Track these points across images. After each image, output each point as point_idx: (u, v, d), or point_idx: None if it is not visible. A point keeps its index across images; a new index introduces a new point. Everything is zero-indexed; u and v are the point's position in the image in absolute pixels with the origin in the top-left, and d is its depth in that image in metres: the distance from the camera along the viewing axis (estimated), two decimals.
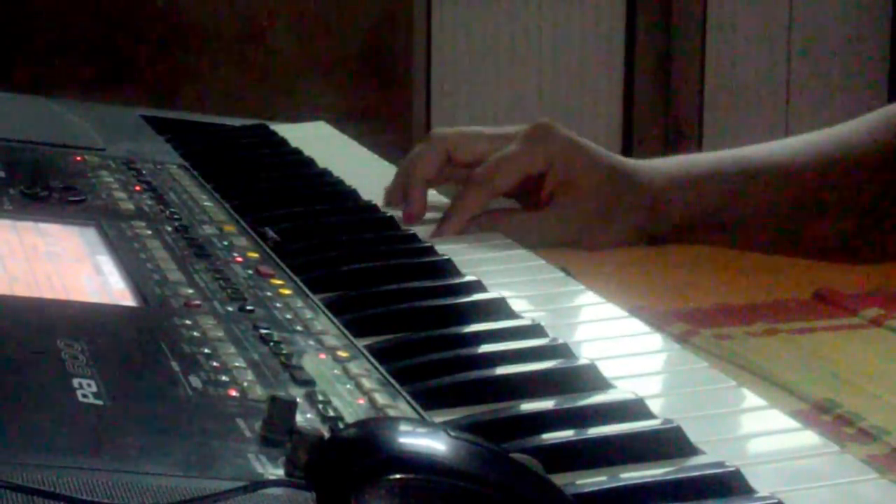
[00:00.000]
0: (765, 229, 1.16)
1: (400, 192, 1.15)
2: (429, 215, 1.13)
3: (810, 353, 0.88)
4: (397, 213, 1.11)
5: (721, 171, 1.16)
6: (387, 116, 3.44)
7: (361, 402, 0.71)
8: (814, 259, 1.13)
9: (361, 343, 0.80)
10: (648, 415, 0.70)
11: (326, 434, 0.63)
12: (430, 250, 1.00)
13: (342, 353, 0.77)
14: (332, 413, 0.68)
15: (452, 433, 0.58)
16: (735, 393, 0.75)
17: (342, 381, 0.73)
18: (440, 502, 0.56)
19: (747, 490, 0.63)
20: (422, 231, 1.08)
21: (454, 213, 1.10)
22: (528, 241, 1.07)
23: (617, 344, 0.83)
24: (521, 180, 1.12)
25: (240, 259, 0.94)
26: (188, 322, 0.78)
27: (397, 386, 0.73)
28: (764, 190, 1.15)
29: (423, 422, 0.67)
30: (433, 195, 1.17)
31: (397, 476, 0.56)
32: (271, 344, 0.77)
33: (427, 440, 0.58)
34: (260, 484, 0.58)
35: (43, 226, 0.96)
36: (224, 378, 0.71)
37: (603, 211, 1.12)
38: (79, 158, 1.18)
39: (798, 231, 1.16)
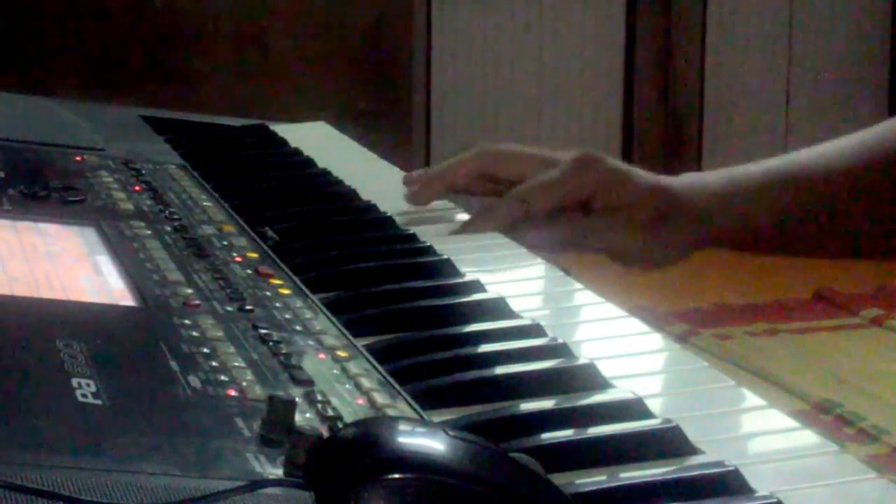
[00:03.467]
0: (813, 237, 1.14)
1: (421, 182, 1.15)
2: (434, 222, 1.13)
3: (810, 353, 0.88)
4: (397, 214, 1.11)
5: (765, 180, 1.15)
6: (387, 116, 3.44)
7: (360, 401, 0.71)
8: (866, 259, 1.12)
9: (360, 343, 0.80)
10: (648, 414, 0.70)
11: (325, 434, 0.63)
12: (430, 250, 1.00)
13: (341, 353, 0.77)
14: (331, 413, 0.68)
15: (451, 433, 0.58)
16: (735, 393, 0.75)
17: (341, 380, 0.73)
18: (439, 502, 0.56)
19: (746, 489, 0.63)
20: (426, 230, 1.08)
21: (482, 218, 1.10)
22: (584, 243, 1.08)
23: (617, 344, 0.83)
24: (559, 205, 1.11)
25: (239, 259, 0.94)
26: (187, 322, 0.78)
27: (396, 386, 0.73)
28: (805, 194, 1.14)
29: (422, 421, 0.67)
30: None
31: (396, 476, 0.56)
32: (270, 344, 0.77)
33: (426, 440, 0.58)
34: (259, 483, 0.58)
35: (42, 226, 0.96)
36: (223, 378, 0.71)
37: (648, 230, 1.11)
38: (78, 158, 1.18)
39: (850, 233, 1.15)
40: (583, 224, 1.11)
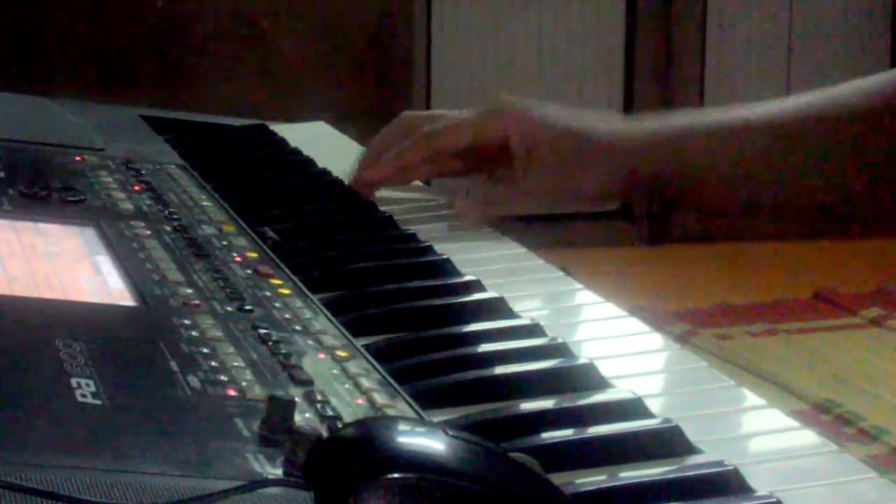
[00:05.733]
0: (748, 185, 1.13)
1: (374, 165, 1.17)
2: (432, 221, 1.13)
3: (810, 353, 0.88)
4: (397, 213, 1.11)
5: (716, 128, 1.14)
6: (387, 116, 3.44)
7: (360, 401, 0.71)
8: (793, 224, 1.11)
9: (360, 343, 0.80)
10: (647, 414, 0.70)
11: (325, 433, 0.63)
12: (430, 250, 1.00)
13: (341, 353, 0.77)
14: (330, 412, 0.68)
15: (451, 433, 0.58)
16: (734, 392, 0.75)
17: (341, 380, 0.73)
18: (439, 502, 0.56)
19: (746, 489, 0.63)
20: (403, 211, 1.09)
21: (393, 157, 1.12)
22: (504, 211, 1.09)
23: (616, 343, 0.83)
24: (470, 144, 1.12)
25: (239, 259, 0.93)
26: (187, 322, 0.78)
27: (396, 385, 0.73)
28: (758, 147, 1.13)
29: (421, 421, 0.67)
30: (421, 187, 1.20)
31: (396, 475, 0.56)
32: (270, 343, 0.77)
33: (426, 440, 0.58)
34: (258, 483, 0.58)
35: (42, 226, 0.96)
36: (223, 378, 0.71)
37: (566, 171, 1.11)
38: (78, 158, 1.17)
39: (790, 191, 1.14)
40: (497, 197, 1.12)
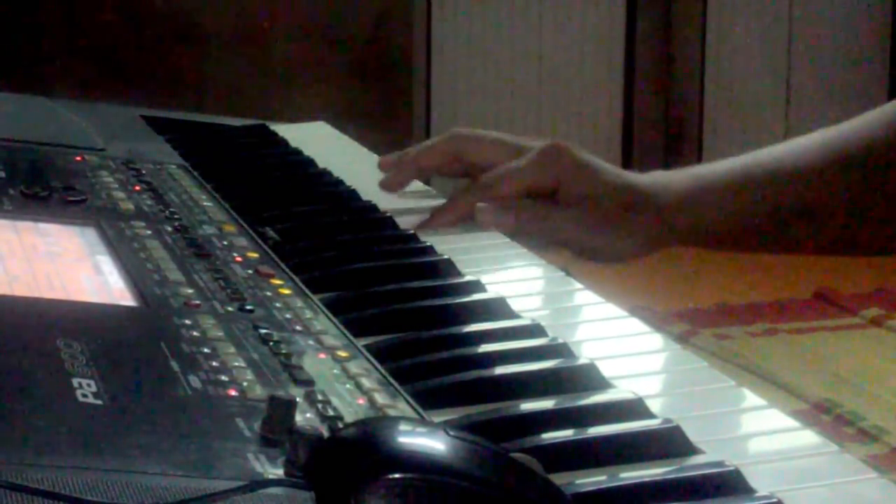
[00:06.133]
0: (771, 235, 1.15)
1: (394, 164, 1.18)
2: (416, 208, 1.14)
3: (810, 353, 0.88)
4: (398, 213, 1.11)
5: (732, 180, 1.15)
6: (387, 116, 3.44)
7: (361, 401, 0.71)
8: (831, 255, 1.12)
9: (361, 343, 0.80)
10: (648, 414, 0.70)
11: (326, 433, 0.63)
12: (430, 250, 1.00)
13: (342, 353, 0.77)
14: (331, 413, 0.68)
15: (452, 433, 0.58)
16: (735, 393, 0.75)
17: (342, 380, 0.73)
18: (439, 502, 0.56)
19: (747, 489, 0.63)
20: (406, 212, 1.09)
21: (449, 206, 1.11)
22: (546, 234, 1.09)
23: (617, 343, 0.83)
24: (524, 193, 1.12)
25: (239, 259, 0.94)
26: (188, 322, 0.78)
27: (397, 385, 0.73)
28: (769, 195, 1.14)
29: (422, 421, 0.67)
30: (423, 188, 1.20)
31: (396, 475, 0.56)
32: (271, 344, 0.77)
33: (426, 440, 0.58)
34: (259, 483, 0.58)
35: (43, 226, 0.96)
36: (223, 378, 0.71)
37: (614, 222, 1.12)
38: (79, 158, 1.18)
39: (809, 232, 1.15)
40: (545, 212, 1.12)
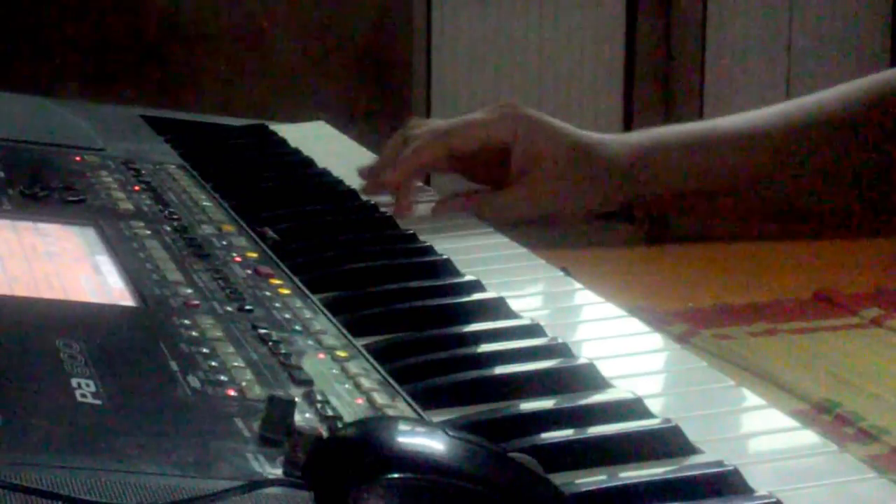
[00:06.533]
0: (730, 196, 1.17)
1: (374, 176, 1.18)
2: (432, 221, 1.14)
3: (810, 353, 0.88)
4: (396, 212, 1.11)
5: (688, 141, 1.17)
6: (387, 116, 3.44)
7: (360, 401, 0.71)
8: (776, 222, 1.15)
9: (360, 343, 0.80)
10: (647, 414, 0.70)
11: (325, 433, 0.63)
12: (430, 250, 1.00)
13: (341, 353, 0.77)
14: (330, 412, 0.68)
15: (451, 433, 0.58)
16: (734, 392, 0.75)
17: (341, 380, 0.73)
18: (439, 502, 0.56)
19: (746, 489, 0.63)
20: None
21: (410, 155, 1.14)
22: (501, 218, 1.11)
23: (616, 343, 0.83)
24: (480, 146, 1.15)
25: (239, 259, 0.94)
26: (187, 322, 0.78)
27: (396, 385, 0.73)
28: (727, 156, 1.16)
29: (421, 421, 0.67)
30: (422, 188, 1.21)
31: (396, 475, 0.56)
32: (270, 343, 0.77)
33: (425, 440, 0.58)
34: (258, 483, 0.58)
35: (42, 226, 0.96)
36: (223, 378, 0.71)
37: (568, 183, 1.15)
38: (78, 158, 1.18)
39: (763, 196, 1.17)
40: (497, 201, 1.15)
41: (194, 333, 0.76)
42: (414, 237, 1.04)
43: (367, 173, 1.19)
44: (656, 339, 0.83)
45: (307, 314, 0.84)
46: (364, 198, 1.15)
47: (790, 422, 0.71)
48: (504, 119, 1.15)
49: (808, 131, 1.15)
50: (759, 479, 0.63)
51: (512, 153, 1.15)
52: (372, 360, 0.77)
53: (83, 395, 0.65)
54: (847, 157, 1.15)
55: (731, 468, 0.64)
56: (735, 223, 1.19)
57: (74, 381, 0.67)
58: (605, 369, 0.76)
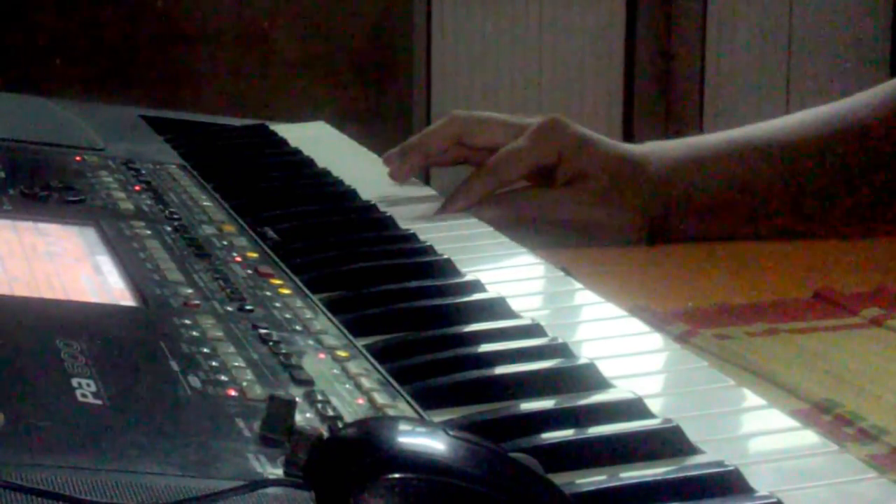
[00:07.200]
0: (770, 208, 1.17)
1: (400, 154, 1.20)
2: (415, 208, 1.15)
3: (810, 353, 0.88)
4: (397, 212, 1.11)
5: (726, 152, 1.18)
6: (387, 116, 3.44)
7: (361, 401, 0.71)
8: (826, 237, 1.15)
9: (361, 343, 0.80)
10: (648, 414, 0.70)
11: (325, 434, 0.63)
12: (430, 250, 1.00)
13: (341, 353, 0.77)
14: (331, 412, 0.68)
15: (452, 433, 0.58)
16: (735, 392, 0.75)
17: (341, 380, 0.73)
18: (439, 502, 0.56)
19: (746, 489, 0.63)
20: (406, 213, 1.10)
21: (460, 194, 1.14)
22: (542, 216, 1.13)
23: (616, 343, 0.83)
24: (528, 172, 1.16)
25: (239, 259, 0.94)
26: (187, 322, 0.78)
27: (396, 385, 0.73)
28: (767, 168, 1.16)
29: (422, 421, 0.67)
30: (423, 188, 1.21)
31: (396, 476, 0.56)
32: (270, 343, 0.77)
33: (426, 440, 0.58)
34: (259, 483, 0.58)
35: (42, 226, 0.96)
36: (223, 378, 0.71)
37: (611, 195, 1.15)
38: (78, 158, 1.18)
39: (807, 207, 1.17)
40: (541, 193, 1.16)
41: (195, 333, 0.76)
42: (414, 237, 1.04)
43: (396, 158, 1.21)
44: (656, 339, 0.83)
45: (308, 314, 0.84)
46: (365, 198, 1.15)
47: (790, 422, 0.71)
48: (547, 141, 1.16)
49: (844, 139, 1.15)
50: (759, 479, 0.63)
51: (556, 172, 1.16)
52: (372, 360, 0.77)
53: (84, 395, 0.65)
54: (884, 163, 1.15)
55: (731, 468, 0.64)
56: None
57: (75, 381, 0.67)
58: (606, 369, 0.76)
